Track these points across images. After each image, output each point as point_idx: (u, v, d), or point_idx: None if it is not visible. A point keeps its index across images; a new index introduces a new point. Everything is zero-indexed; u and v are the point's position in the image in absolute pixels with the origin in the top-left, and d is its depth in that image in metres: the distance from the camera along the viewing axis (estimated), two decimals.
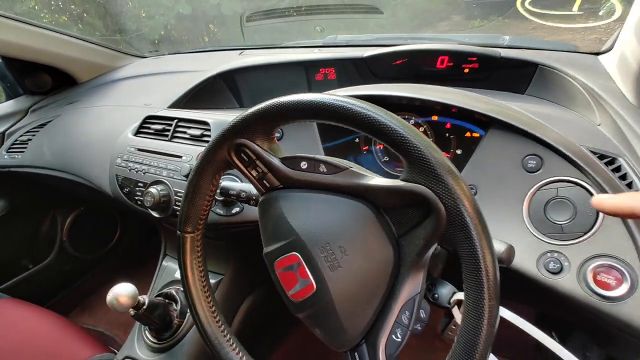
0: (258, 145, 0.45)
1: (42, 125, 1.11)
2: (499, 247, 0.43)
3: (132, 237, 1.57)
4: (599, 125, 0.64)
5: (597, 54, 0.80)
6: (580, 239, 0.49)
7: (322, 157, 0.43)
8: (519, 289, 0.61)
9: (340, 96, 0.39)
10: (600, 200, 0.32)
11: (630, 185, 0.52)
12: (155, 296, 0.80)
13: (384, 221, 0.41)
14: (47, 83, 1.22)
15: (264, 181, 0.46)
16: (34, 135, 1.10)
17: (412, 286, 0.40)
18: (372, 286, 0.41)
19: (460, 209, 0.34)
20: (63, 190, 1.21)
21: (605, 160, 0.56)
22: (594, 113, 0.65)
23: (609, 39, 0.81)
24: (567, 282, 0.48)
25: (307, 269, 0.42)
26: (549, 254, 0.50)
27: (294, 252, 0.42)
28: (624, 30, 0.61)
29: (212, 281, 0.82)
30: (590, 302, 0.46)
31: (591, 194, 0.50)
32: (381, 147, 0.78)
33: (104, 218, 1.48)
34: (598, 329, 0.63)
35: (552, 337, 0.85)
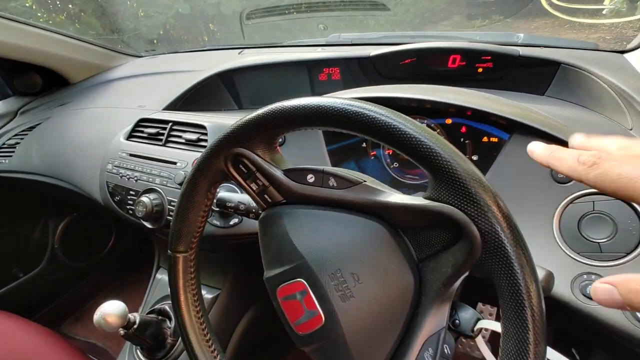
0: (259, 155, 0.40)
1: (31, 128, 1.06)
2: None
3: (127, 244, 1.51)
4: (630, 129, 0.58)
5: (623, 52, 0.74)
6: (623, 260, 0.44)
7: (332, 169, 0.38)
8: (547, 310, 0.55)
9: (351, 100, 0.34)
10: (532, 147, 0.30)
11: None
12: (148, 313, 0.75)
13: (402, 243, 0.36)
14: (37, 84, 1.17)
15: (265, 195, 0.41)
16: (22, 138, 1.05)
17: (436, 319, 0.35)
18: (389, 319, 0.35)
19: (499, 234, 0.28)
20: (54, 195, 1.16)
21: None
22: (625, 116, 0.60)
23: (612, 37, 0.75)
24: (608, 310, 0.43)
25: (314, 299, 0.36)
26: (585, 276, 0.45)
27: (299, 279, 0.37)
28: None
29: (208, 296, 0.78)
30: (635, 333, 0.41)
31: (634, 209, 0.44)
32: (390, 152, 0.73)
33: (98, 224, 1.42)
34: (626, 352, 0.58)
35: (572, 354, 0.79)
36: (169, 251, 0.46)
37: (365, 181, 0.37)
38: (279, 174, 0.39)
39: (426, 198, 0.33)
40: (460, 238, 0.31)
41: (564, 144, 0.50)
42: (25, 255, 1.27)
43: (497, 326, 0.34)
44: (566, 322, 0.52)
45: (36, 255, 1.29)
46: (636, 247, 0.43)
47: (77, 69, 1.19)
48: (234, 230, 0.67)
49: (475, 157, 0.67)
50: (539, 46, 0.81)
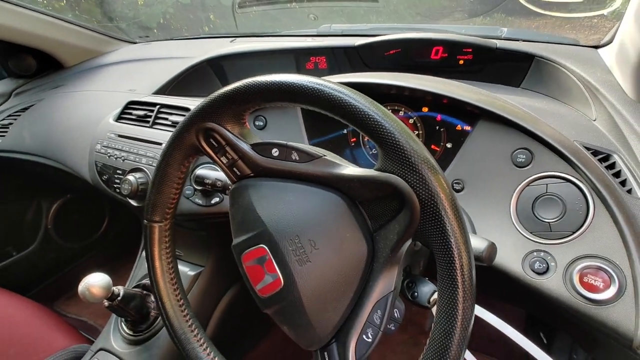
0: (228, 130, 0.42)
1: (24, 109, 1.08)
2: (479, 244, 0.40)
3: (122, 225, 1.54)
4: (594, 120, 0.61)
5: (597, 47, 0.77)
6: (568, 238, 0.47)
7: (295, 144, 0.40)
8: (505, 288, 0.58)
9: (310, 77, 0.36)
10: None
11: (623, 183, 0.49)
12: (133, 287, 0.78)
13: (358, 214, 0.39)
14: (31, 66, 1.19)
15: (235, 169, 0.43)
16: (15, 119, 1.08)
17: (385, 284, 0.38)
18: (342, 283, 0.38)
19: (435, 202, 0.31)
20: (46, 176, 1.18)
21: (600, 156, 0.53)
22: (590, 108, 0.62)
23: (610, 38, 0.77)
24: (552, 283, 0.46)
25: (274, 263, 0.39)
26: (535, 253, 0.48)
27: (261, 245, 0.40)
28: (624, 21, 0.58)
29: (191, 273, 0.81)
30: (576, 305, 0.44)
31: (582, 191, 0.47)
32: (368, 139, 0.76)
33: (91, 206, 1.45)
34: (582, 332, 0.61)
35: (540, 338, 0.83)
36: (144, 221, 0.48)
37: (325, 155, 0.39)
38: (246, 148, 0.42)
39: (376, 170, 0.35)
40: (404, 206, 0.34)
41: (524, 130, 0.53)
42: (18, 235, 1.30)
43: None
44: (520, 298, 0.55)
45: (30, 235, 1.32)
46: (581, 227, 0.46)
47: (72, 53, 1.21)
48: (215, 208, 0.70)
49: (449, 145, 0.69)
50: (519, 40, 0.83)
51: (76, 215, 1.42)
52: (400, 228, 0.35)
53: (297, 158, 0.40)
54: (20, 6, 1.08)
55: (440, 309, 0.32)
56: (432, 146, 0.72)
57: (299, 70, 0.98)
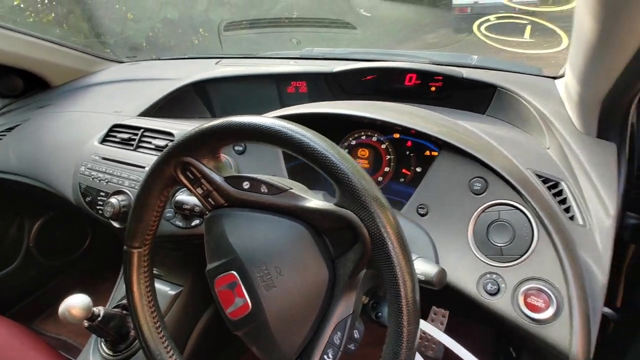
0: (203, 164, 0.46)
1: (10, 129, 1.10)
2: (431, 270, 0.44)
3: (102, 246, 1.54)
4: (548, 149, 0.66)
5: (555, 77, 0.83)
6: (517, 261, 0.51)
7: (263, 177, 0.44)
8: (465, 308, 0.62)
9: (276, 119, 0.40)
10: None
11: (568, 210, 0.54)
12: (114, 307, 0.80)
13: (321, 242, 0.42)
14: (18, 87, 1.21)
15: (209, 199, 0.47)
16: (1, 139, 1.09)
17: (344, 307, 0.41)
18: (306, 306, 0.41)
19: (383, 236, 0.35)
20: (30, 195, 1.19)
21: (549, 184, 0.58)
22: (545, 137, 0.68)
23: None
24: (501, 304, 0.50)
25: (243, 288, 0.42)
26: (488, 275, 0.52)
27: (232, 271, 0.43)
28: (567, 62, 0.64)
29: (171, 292, 0.82)
30: (521, 324, 0.48)
31: (528, 219, 0.52)
32: None
33: (73, 225, 1.45)
34: (532, 349, 0.65)
35: (509, 353, 0.86)
36: (124, 247, 0.51)
37: (291, 189, 0.43)
38: (219, 180, 0.45)
39: (335, 204, 0.39)
40: (358, 239, 0.38)
41: (480, 161, 0.58)
42: (0, 253, 1.30)
43: None
44: (477, 317, 0.59)
45: (11, 253, 1.32)
46: (527, 251, 0.51)
47: (58, 73, 1.23)
48: (195, 230, 0.72)
49: (419, 169, 0.74)
50: (486, 69, 0.89)
51: (58, 233, 1.42)
52: (355, 257, 0.38)
53: (266, 190, 0.43)
54: (6, 28, 1.10)
55: (389, 332, 0.36)
56: (403, 170, 0.76)
57: (281, 93, 1.02)
